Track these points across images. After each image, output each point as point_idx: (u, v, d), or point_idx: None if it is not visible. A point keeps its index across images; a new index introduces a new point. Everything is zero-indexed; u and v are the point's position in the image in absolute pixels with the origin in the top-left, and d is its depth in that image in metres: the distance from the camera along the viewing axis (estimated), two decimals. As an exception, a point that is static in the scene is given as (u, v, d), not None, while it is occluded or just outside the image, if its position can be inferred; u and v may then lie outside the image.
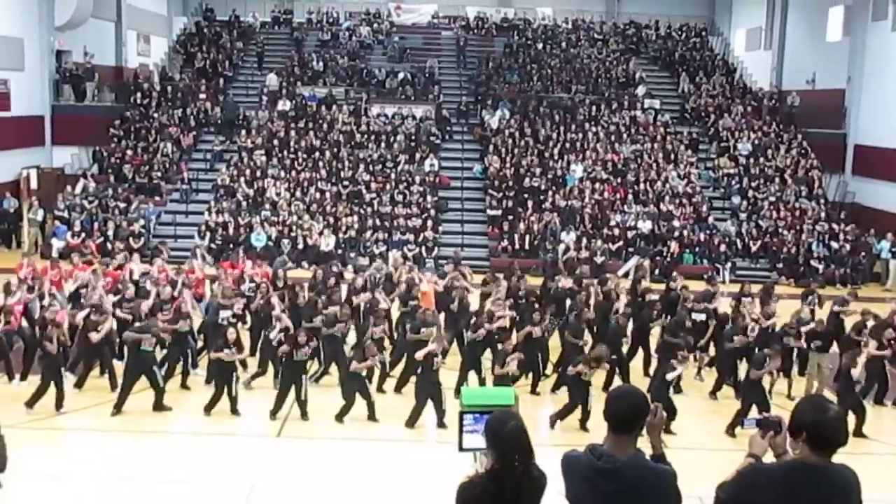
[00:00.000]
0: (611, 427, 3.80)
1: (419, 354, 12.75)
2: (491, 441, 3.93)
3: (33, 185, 29.52)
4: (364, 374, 13.04)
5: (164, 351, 14.29)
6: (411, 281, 16.94)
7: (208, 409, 12.96)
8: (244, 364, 14.46)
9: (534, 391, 14.40)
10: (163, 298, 14.95)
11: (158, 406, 13.06)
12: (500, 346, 13.61)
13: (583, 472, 3.74)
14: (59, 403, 12.92)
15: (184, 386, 14.20)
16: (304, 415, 12.90)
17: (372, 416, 12.88)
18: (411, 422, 12.75)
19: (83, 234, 24.45)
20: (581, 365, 12.74)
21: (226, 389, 12.90)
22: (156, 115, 30.92)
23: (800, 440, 3.55)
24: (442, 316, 16.32)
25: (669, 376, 12.71)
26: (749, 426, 3.99)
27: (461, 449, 4.35)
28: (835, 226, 27.01)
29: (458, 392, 13.84)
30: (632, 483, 3.68)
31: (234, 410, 13.00)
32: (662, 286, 18.49)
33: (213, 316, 14.85)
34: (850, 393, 12.85)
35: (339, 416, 12.83)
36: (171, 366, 14.16)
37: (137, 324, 13.76)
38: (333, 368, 14.27)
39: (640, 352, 15.76)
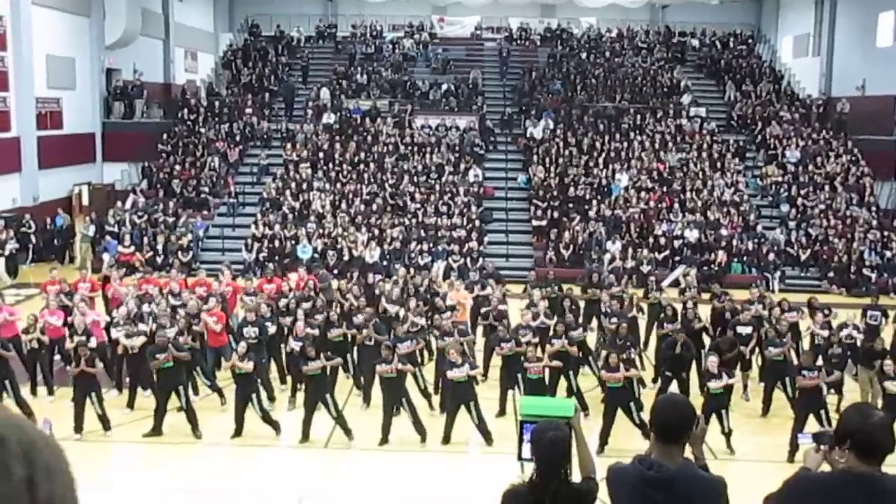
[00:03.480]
0: (658, 436, 3.75)
1: (451, 374, 12.61)
2: (532, 450, 3.97)
3: (84, 201, 30.11)
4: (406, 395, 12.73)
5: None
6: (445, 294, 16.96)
7: (234, 435, 12.72)
8: (282, 380, 14.58)
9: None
10: (189, 312, 15.05)
11: (194, 429, 12.86)
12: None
13: (631, 483, 3.69)
14: (104, 425, 12.92)
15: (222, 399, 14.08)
16: (348, 436, 12.52)
17: (423, 436, 12.53)
18: (445, 438, 12.58)
19: (133, 248, 24.87)
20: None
21: (252, 406, 12.62)
22: (203, 130, 31.39)
23: (845, 448, 3.47)
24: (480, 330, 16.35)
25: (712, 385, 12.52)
26: (804, 440, 3.90)
27: (520, 458, 4.36)
28: (887, 233, 26.45)
29: (502, 409, 13.81)
30: (684, 492, 3.63)
31: (272, 425, 12.65)
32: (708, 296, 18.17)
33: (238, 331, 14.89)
34: None
35: (382, 441, 12.55)
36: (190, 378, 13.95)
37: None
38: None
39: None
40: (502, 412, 13.70)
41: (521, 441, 4.32)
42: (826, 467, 3.63)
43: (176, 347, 12.93)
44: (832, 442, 3.66)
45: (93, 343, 13.81)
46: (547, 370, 13.52)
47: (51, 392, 14.42)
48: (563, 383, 13.86)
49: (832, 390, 13.72)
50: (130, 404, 14.00)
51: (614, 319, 15.23)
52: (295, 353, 13.58)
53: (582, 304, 17.26)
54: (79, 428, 12.65)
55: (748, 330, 15.24)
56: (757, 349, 15.44)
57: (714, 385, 12.48)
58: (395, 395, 12.55)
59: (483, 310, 16.43)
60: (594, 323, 16.81)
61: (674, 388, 13.85)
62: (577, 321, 15.49)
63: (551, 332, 14.33)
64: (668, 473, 3.64)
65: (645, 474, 3.66)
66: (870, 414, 3.51)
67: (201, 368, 14.31)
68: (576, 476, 4.19)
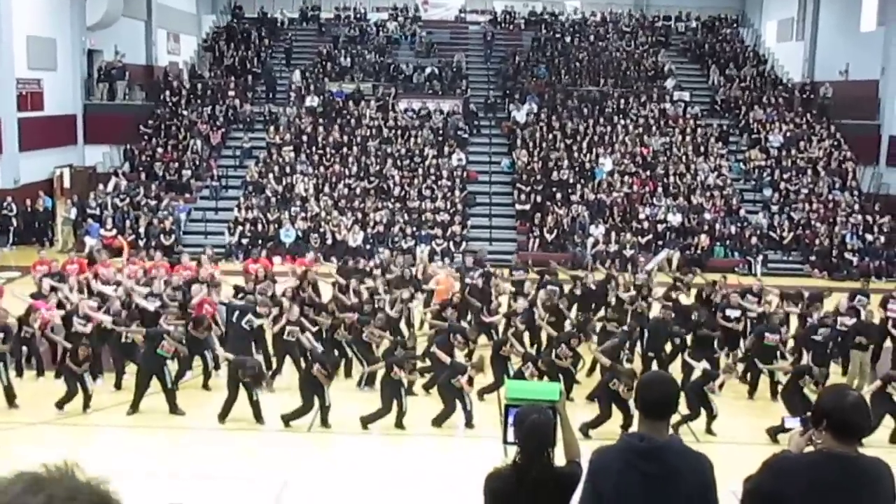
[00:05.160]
0: (645, 414, 3.78)
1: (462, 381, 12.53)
2: (515, 433, 4.06)
3: (66, 183, 29.87)
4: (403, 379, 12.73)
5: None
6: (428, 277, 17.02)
7: (222, 416, 12.60)
8: (269, 365, 14.58)
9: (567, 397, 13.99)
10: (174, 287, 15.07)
11: (172, 409, 12.88)
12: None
13: (621, 458, 3.70)
14: (86, 404, 12.96)
15: (205, 386, 14.13)
16: (324, 422, 12.51)
17: (399, 424, 12.51)
18: (439, 421, 12.63)
19: (115, 232, 24.73)
20: (618, 383, 12.28)
21: (247, 395, 12.58)
22: (185, 112, 31.16)
23: (822, 429, 3.50)
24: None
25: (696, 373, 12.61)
26: (792, 423, 3.93)
27: (505, 442, 4.38)
28: (869, 218, 26.65)
29: (481, 395, 13.79)
30: (675, 462, 3.67)
31: (258, 417, 12.59)
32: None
33: (230, 317, 14.81)
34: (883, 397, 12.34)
35: (366, 422, 12.52)
36: (184, 365, 14.03)
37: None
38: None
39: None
40: (482, 397, 13.73)
41: (505, 424, 4.34)
42: (810, 450, 3.66)
43: (173, 338, 12.99)
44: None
45: (88, 328, 13.84)
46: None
47: (41, 373, 14.41)
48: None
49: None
50: (118, 385, 13.96)
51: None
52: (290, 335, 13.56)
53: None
54: (61, 405, 12.81)
55: (737, 313, 15.35)
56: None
57: (697, 367, 12.60)
58: (396, 390, 12.52)
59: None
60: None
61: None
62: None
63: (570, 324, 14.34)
64: (659, 443, 3.67)
65: (636, 446, 3.68)
66: (845, 395, 3.54)
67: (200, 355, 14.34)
68: (560, 460, 4.21)
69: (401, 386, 12.60)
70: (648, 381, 3.95)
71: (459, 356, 13.39)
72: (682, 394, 12.35)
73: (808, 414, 3.77)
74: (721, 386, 12.76)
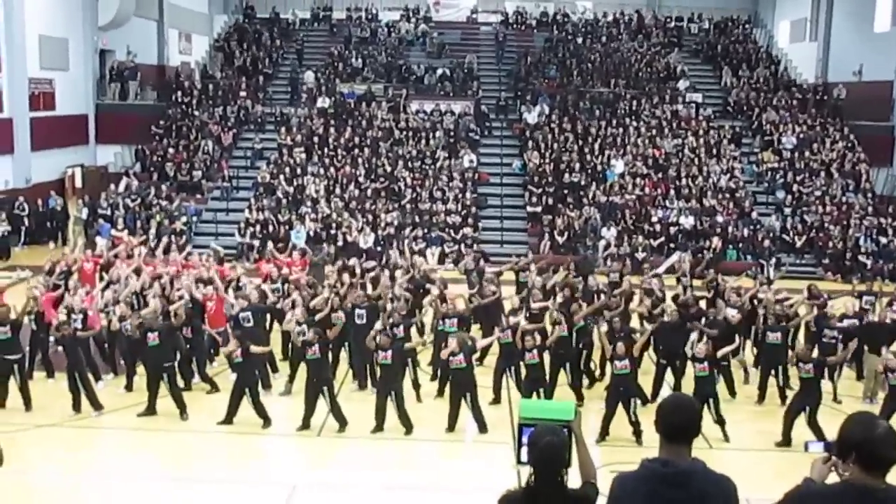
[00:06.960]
0: (667, 438, 3.71)
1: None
2: (528, 454, 3.99)
3: (78, 183, 29.95)
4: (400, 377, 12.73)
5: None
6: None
7: (227, 419, 12.53)
8: (273, 367, 14.56)
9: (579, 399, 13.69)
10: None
11: (181, 412, 12.87)
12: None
13: (645, 484, 3.63)
14: (94, 405, 13.01)
15: (214, 389, 14.08)
16: (341, 426, 12.42)
17: (406, 427, 12.41)
18: (450, 426, 12.54)
19: (126, 232, 24.74)
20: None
21: (249, 397, 12.53)
22: (197, 113, 31.17)
23: (849, 461, 3.39)
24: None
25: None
26: (815, 448, 3.81)
27: (518, 462, 4.31)
28: (883, 220, 26.43)
29: (496, 397, 13.75)
30: (701, 487, 3.61)
31: (262, 417, 12.54)
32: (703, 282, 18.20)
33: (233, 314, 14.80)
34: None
35: (378, 424, 12.45)
36: (185, 365, 14.07)
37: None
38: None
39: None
40: (497, 400, 13.66)
41: (519, 444, 4.27)
42: (833, 478, 3.57)
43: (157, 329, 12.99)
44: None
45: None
46: (547, 362, 13.43)
47: (50, 375, 14.47)
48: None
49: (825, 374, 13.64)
50: (129, 387, 13.98)
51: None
52: (294, 333, 13.61)
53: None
54: (76, 406, 12.93)
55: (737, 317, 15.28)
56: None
57: (698, 368, 12.51)
58: (391, 382, 12.47)
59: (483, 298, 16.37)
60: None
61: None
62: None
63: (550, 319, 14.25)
64: (683, 468, 3.61)
65: (659, 471, 3.61)
66: (875, 425, 3.41)
67: (197, 358, 14.37)
68: (576, 481, 4.14)
69: (396, 373, 12.51)
70: (671, 404, 3.84)
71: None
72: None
73: (833, 440, 3.65)
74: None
